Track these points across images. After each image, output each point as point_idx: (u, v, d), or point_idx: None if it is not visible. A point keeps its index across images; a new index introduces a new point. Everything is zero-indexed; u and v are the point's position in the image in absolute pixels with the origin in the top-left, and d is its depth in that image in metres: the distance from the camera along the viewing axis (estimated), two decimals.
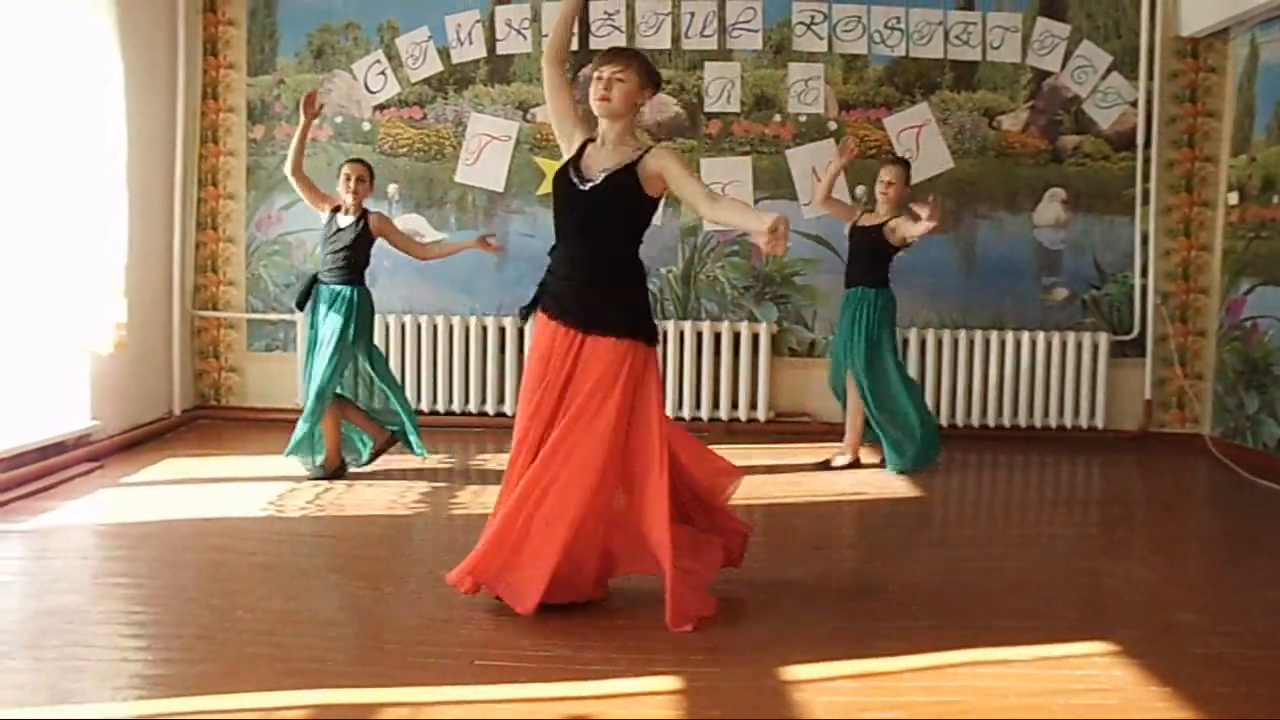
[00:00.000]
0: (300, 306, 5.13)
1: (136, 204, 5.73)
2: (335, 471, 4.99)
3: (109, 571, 3.67)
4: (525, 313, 3.31)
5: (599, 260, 3.18)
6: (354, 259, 5.03)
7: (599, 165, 3.18)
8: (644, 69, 3.20)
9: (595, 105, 3.17)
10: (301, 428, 4.92)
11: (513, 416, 6.31)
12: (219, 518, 4.30)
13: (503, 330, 6.40)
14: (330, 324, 4.95)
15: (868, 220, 5.38)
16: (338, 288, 4.99)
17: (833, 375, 5.54)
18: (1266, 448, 5.76)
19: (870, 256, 5.32)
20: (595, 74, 3.17)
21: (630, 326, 3.14)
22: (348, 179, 5.02)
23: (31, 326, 5.06)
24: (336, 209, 5.09)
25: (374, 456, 5.15)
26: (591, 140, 3.27)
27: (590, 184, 3.15)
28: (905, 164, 5.48)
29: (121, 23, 5.50)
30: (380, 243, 5.15)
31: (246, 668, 2.74)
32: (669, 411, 6.37)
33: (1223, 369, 6.26)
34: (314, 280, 5.08)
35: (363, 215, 5.05)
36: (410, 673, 2.72)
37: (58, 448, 5.06)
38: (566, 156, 3.28)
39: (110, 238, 5.48)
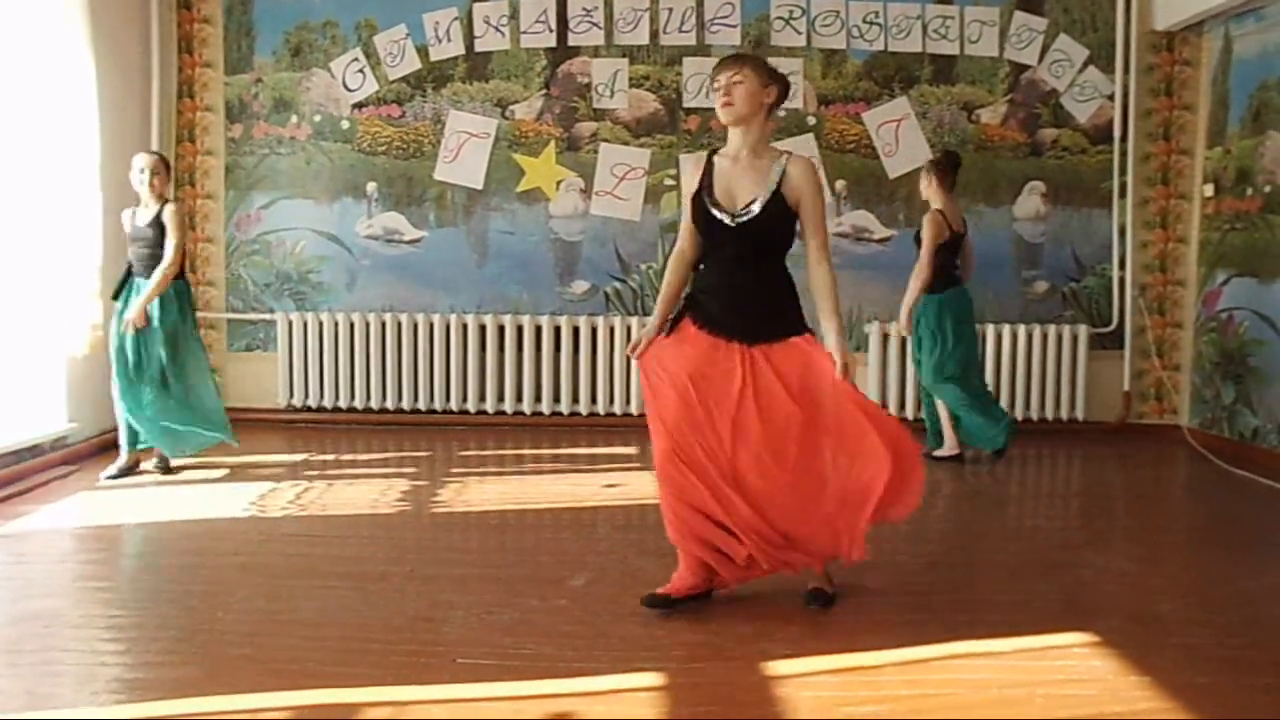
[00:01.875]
0: (115, 297, 5.08)
1: (112, 204, 5.68)
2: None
3: (86, 575, 3.64)
4: (672, 326, 3.23)
5: (761, 280, 3.16)
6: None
7: (744, 192, 3.11)
8: (762, 67, 3.14)
9: (721, 114, 3.14)
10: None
11: (495, 414, 6.38)
12: (199, 519, 4.27)
13: (483, 328, 6.39)
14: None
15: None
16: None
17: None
18: (1243, 437, 5.82)
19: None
20: (714, 86, 3.14)
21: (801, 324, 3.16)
22: (142, 171, 4.98)
23: (6, 329, 5.01)
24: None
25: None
26: (715, 152, 3.22)
27: (741, 219, 3.09)
28: (937, 163, 5.51)
29: (93, 21, 5.46)
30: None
31: (227, 670, 2.72)
32: (641, 407, 6.39)
33: (1200, 360, 6.31)
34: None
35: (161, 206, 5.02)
36: (393, 672, 2.71)
37: (33, 451, 5.01)
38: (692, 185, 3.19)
39: (84, 239, 5.44)
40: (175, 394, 5.04)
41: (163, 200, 5.01)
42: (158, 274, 4.92)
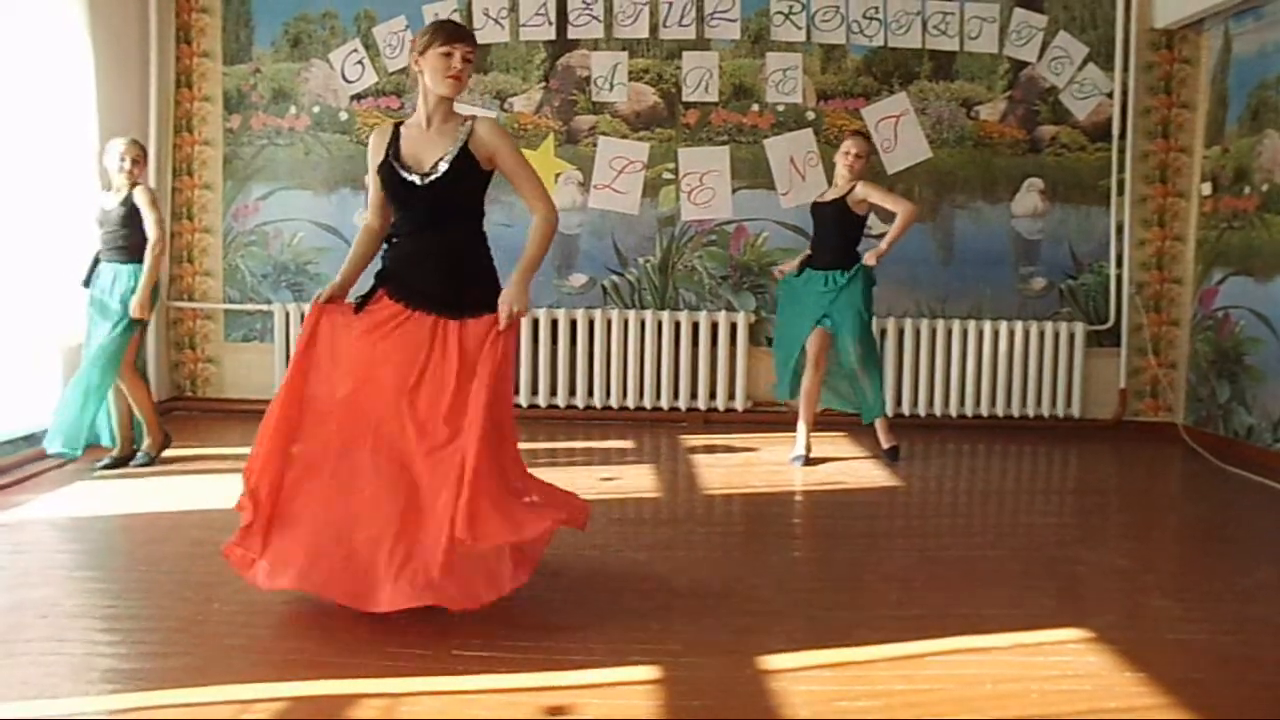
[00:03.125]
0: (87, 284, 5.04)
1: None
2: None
3: (82, 565, 3.64)
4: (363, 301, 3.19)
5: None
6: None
7: (431, 154, 3.10)
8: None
9: (445, 84, 3.06)
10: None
11: None
12: (195, 509, 4.26)
13: None
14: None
15: (828, 195, 5.37)
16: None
17: (790, 361, 5.40)
18: (1238, 435, 5.83)
19: (824, 233, 5.34)
20: (444, 51, 3.03)
21: None
22: (122, 158, 4.93)
23: (2, 318, 5.00)
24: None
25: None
26: (402, 123, 3.22)
27: (430, 177, 3.10)
28: (868, 137, 5.49)
29: (91, 10, 5.44)
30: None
31: (222, 660, 2.73)
32: (649, 402, 6.41)
33: (1195, 358, 6.32)
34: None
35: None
36: (387, 664, 2.71)
37: (29, 440, 5.00)
38: None
39: (81, 229, 5.41)
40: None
41: (133, 184, 4.95)
42: (148, 257, 4.87)
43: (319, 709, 2.47)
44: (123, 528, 4.03)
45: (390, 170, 3.12)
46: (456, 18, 6.32)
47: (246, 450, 5.12)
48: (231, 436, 5.71)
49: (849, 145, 5.25)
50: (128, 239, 4.91)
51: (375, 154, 3.19)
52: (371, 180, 3.26)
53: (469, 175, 3.12)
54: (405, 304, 3.08)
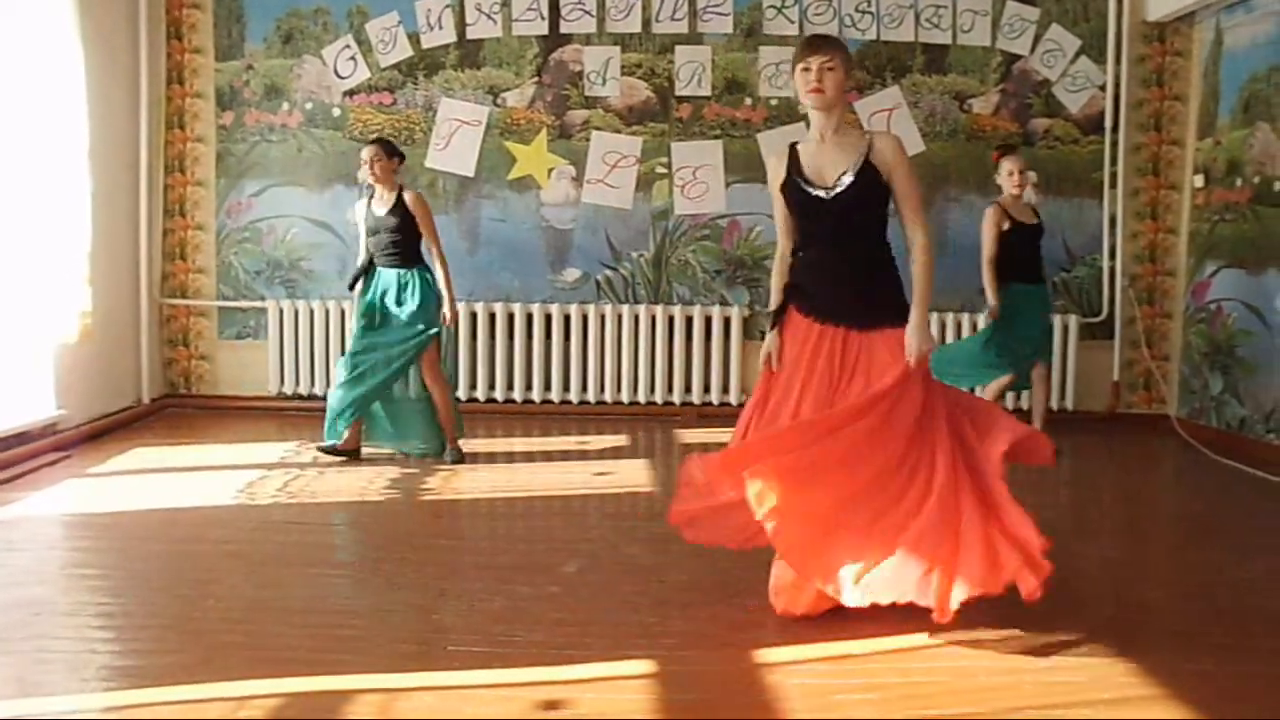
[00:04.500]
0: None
1: (100, 190, 5.66)
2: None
3: (76, 562, 3.63)
4: (775, 319, 3.22)
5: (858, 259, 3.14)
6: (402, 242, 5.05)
7: (833, 168, 3.09)
8: (848, 55, 3.14)
9: (808, 98, 3.10)
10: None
11: (486, 401, 6.38)
12: (189, 507, 4.26)
13: (474, 315, 6.37)
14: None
15: (1028, 217, 5.45)
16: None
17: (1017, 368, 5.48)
18: (1230, 428, 5.85)
19: (1037, 251, 5.51)
20: (802, 66, 3.09)
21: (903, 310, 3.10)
22: (364, 163, 5.01)
23: None
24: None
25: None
26: (797, 142, 3.22)
27: (834, 191, 3.07)
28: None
29: (81, 5, 5.42)
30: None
31: (217, 657, 2.72)
32: (643, 397, 6.40)
33: (1188, 351, 6.34)
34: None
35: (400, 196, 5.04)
36: (383, 659, 2.72)
37: (22, 437, 4.99)
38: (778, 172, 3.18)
39: (73, 225, 5.41)
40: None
41: (399, 188, 5.03)
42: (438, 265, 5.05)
43: (314, 706, 2.47)
44: (117, 525, 4.02)
45: (795, 188, 3.13)
46: (450, 13, 6.35)
47: (240, 446, 5.14)
48: (224, 433, 5.70)
49: (1017, 164, 5.36)
50: (398, 245, 4.99)
51: (776, 177, 3.20)
52: (776, 204, 3.23)
53: (873, 189, 3.09)
54: (814, 318, 3.11)
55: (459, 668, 2.67)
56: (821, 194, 3.08)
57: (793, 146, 3.21)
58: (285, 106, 6.46)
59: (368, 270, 5.08)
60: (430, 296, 5.01)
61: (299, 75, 6.45)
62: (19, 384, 5.13)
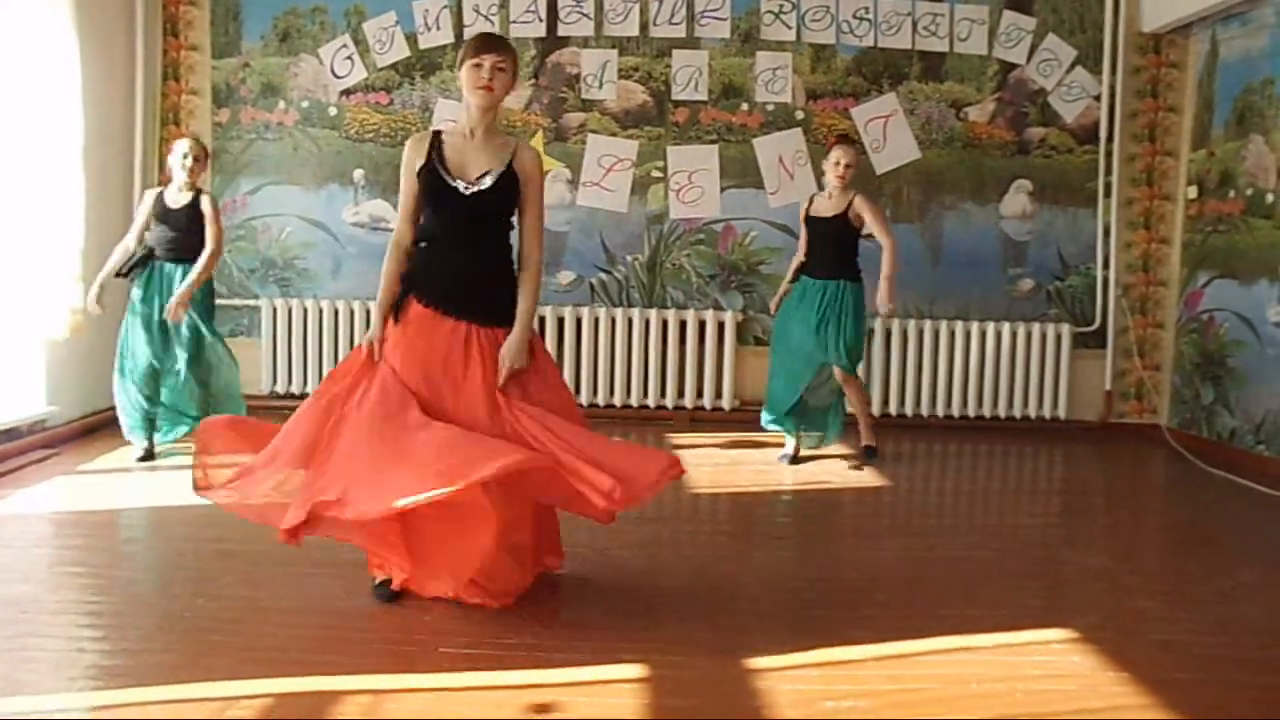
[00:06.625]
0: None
1: (94, 186, 5.63)
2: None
3: (64, 560, 3.61)
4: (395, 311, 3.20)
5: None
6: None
7: (476, 166, 3.13)
8: (517, 61, 3.19)
9: (476, 94, 3.09)
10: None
11: None
12: (179, 505, 4.23)
13: None
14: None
15: (825, 209, 5.19)
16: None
17: (796, 379, 5.21)
18: (1221, 438, 5.87)
19: (831, 245, 5.16)
20: (474, 62, 3.06)
21: None
22: (184, 156, 4.96)
23: None
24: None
25: None
26: (441, 131, 3.23)
27: (474, 188, 3.12)
28: (854, 143, 5.36)
29: (77, 1, 5.39)
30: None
31: (207, 657, 2.71)
32: (636, 400, 6.40)
33: (1180, 360, 6.36)
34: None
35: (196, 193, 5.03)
36: (373, 660, 2.71)
37: (11, 434, 4.97)
38: None
39: (66, 221, 5.38)
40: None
41: (197, 190, 5.02)
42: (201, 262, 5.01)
43: (302, 706, 2.46)
44: (106, 523, 4.00)
45: (434, 175, 3.11)
46: (447, 13, 6.34)
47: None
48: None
49: (840, 155, 5.09)
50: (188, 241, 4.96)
51: (414, 159, 3.16)
52: (406, 187, 3.19)
53: (512, 193, 3.15)
54: (436, 309, 3.09)
55: (448, 670, 2.67)
56: (459, 186, 3.10)
57: (437, 134, 3.20)
58: (281, 105, 6.45)
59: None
60: None
61: (295, 74, 6.44)
62: (9, 380, 5.10)
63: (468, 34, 6.36)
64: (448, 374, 3.06)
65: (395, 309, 3.14)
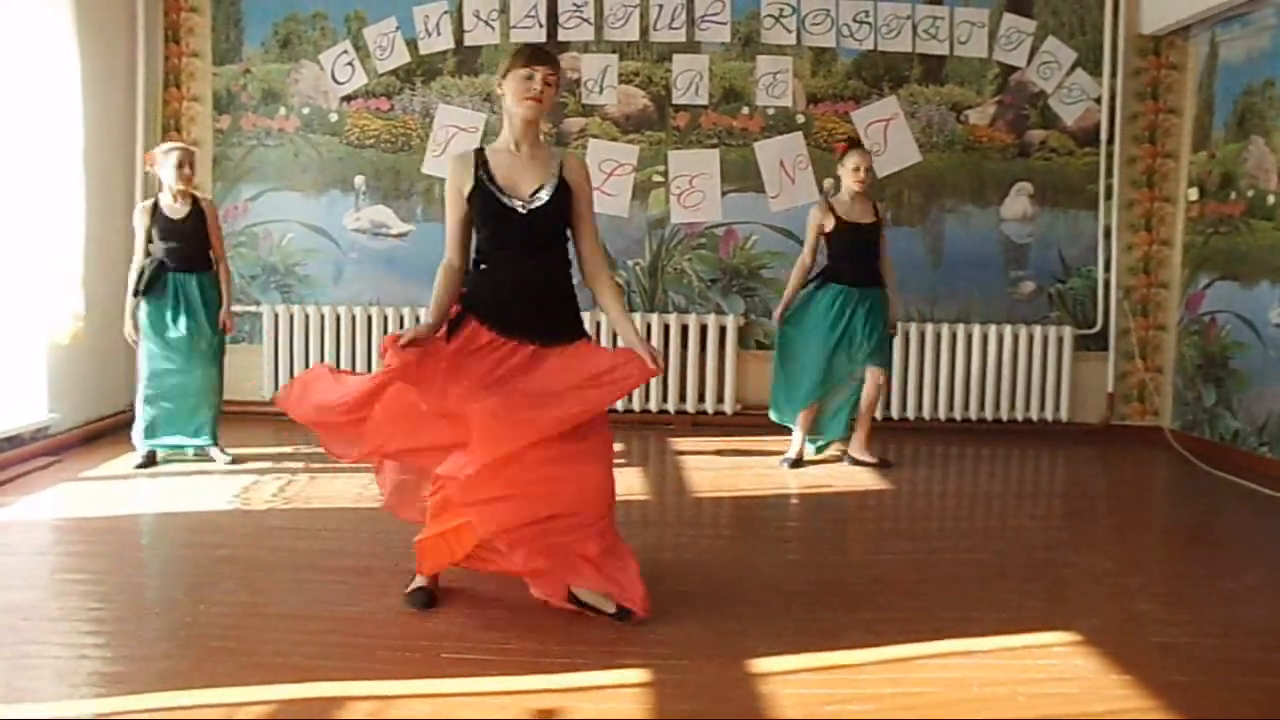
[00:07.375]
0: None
1: (95, 192, 5.65)
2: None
3: (67, 567, 3.61)
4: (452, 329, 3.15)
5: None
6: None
7: (529, 182, 3.11)
8: (562, 77, 3.18)
9: (524, 105, 3.05)
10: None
11: None
12: (182, 512, 4.25)
13: None
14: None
15: (862, 216, 5.21)
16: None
17: (821, 385, 5.28)
18: (1223, 440, 5.86)
19: (870, 253, 5.23)
20: (525, 74, 3.02)
21: None
22: (180, 166, 4.93)
23: None
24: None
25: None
26: (484, 148, 3.20)
27: (530, 205, 3.10)
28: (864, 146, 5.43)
29: (78, 8, 5.42)
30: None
31: (210, 663, 2.71)
32: (637, 404, 6.40)
33: (1182, 362, 6.35)
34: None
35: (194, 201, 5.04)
36: (377, 666, 2.71)
37: (13, 441, 4.97)
38: None
39: (67, 227, 5.40)
40: None
41: (194, 197, 5.02)
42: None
43: (307, 712, 2.46)
44: (108, 529, 4.01)
45: (488, 197, 3.03)
46: (448, 19, 6.35)
47: (235, 452, 5.12)
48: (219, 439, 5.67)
49: (858, 160, 5.11)
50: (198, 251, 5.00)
51: (462, 182, 3.07)
52: (453, 211, 3.10)
53: (565, 205, 3.11)
54: (499, 333, 3.03)
55: (453, 675, 2.67)
56: (516, 206, 3.04)
57: (479, 152, 3.11)
58: (282, 111, 6.46)
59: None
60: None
61: (296, 80, 6.45)
62: (11, 387, 5.10)
63: (468, 40, 6.37)
64: (508, 380, 2.99)
65: (450, 324, 3.06)
